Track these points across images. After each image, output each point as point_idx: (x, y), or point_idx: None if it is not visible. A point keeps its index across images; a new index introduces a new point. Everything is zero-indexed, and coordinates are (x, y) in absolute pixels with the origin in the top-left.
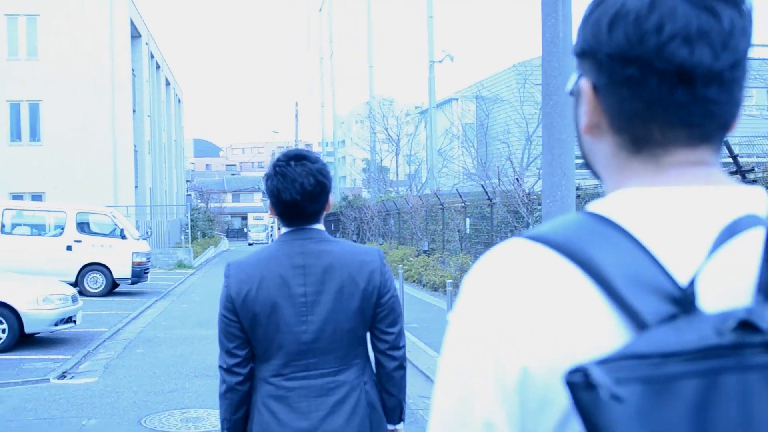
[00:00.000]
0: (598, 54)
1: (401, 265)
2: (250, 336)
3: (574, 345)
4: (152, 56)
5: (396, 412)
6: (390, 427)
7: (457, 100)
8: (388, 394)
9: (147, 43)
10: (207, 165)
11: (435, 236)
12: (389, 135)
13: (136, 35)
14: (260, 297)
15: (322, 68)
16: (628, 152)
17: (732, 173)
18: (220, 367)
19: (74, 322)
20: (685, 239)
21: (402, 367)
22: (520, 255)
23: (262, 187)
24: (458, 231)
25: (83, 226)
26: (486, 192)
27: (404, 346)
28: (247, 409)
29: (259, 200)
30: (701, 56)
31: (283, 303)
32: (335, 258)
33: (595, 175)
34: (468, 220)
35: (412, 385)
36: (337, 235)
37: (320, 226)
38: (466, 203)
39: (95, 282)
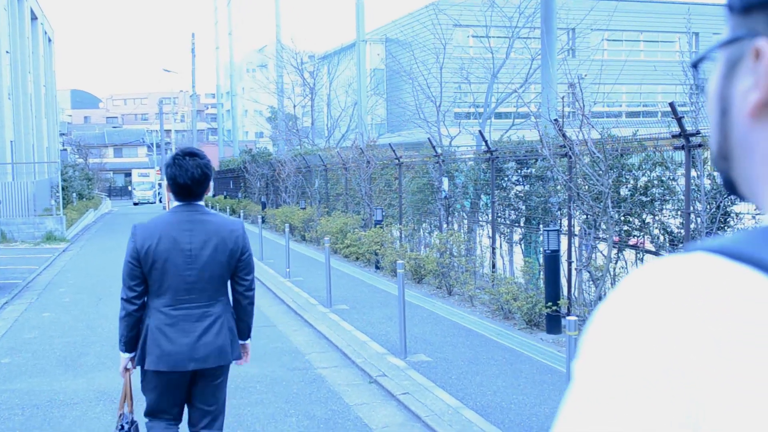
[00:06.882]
0: None
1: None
2: (148, 277)
3: None
4: None
5: (246, 332)
6: (241, 341)
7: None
8: (242, 321)
9: None
10: (86, 117)
11: (381, 201)
12: (303, 78)
13: None
14: (158, 250)
15: (217, 4)
16: None
17: (675, 136)
18: (122, 298)
19: None
20: None
21: (252, 303)
22: (712, 277)
23: (148, 140)
24: (443, 195)
25: None
26: (485, 141)
27: (254, 289)
28: (139, 328)
29: (144, 155)
30: None
31: (174, 255)
32: (213, 226)
33: (727, 182)
34: (446, 179)
35: None
36: (239, 193)
37: (201, 203)
38: (442, 158)
39: None
